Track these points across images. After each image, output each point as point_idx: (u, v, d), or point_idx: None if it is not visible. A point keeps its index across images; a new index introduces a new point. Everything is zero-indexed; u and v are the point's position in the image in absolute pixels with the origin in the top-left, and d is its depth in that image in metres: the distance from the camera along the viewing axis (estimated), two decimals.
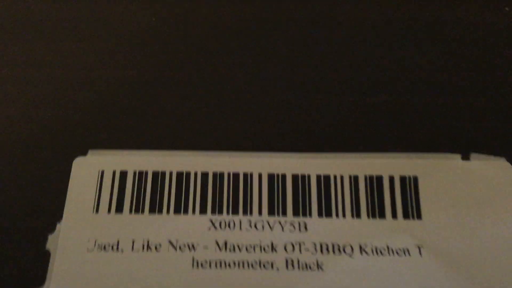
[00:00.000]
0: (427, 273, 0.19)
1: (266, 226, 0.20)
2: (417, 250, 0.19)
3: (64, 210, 0.20)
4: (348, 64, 0.24)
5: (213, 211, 0.20)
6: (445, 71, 0.23)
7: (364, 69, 0.23)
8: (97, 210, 0.20)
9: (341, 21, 0.25)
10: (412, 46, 0.24)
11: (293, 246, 0.19)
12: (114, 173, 0.20)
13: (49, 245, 0.19)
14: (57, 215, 0.20)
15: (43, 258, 0.19)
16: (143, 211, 0.20)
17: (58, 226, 0.19)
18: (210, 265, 0.19)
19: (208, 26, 0.25)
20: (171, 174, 0.20)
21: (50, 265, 0.19)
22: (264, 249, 0.19)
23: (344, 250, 0.19)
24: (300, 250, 0.19)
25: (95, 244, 0.19)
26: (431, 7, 0.25)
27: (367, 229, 0.20)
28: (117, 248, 0.19)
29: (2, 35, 0.24)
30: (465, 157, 0.21)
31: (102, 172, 0.20)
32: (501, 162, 0.21)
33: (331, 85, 0.23)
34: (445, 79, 0.23)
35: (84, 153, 0.21)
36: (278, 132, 0.22)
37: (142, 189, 0.20)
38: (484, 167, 0.21)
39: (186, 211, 0.20)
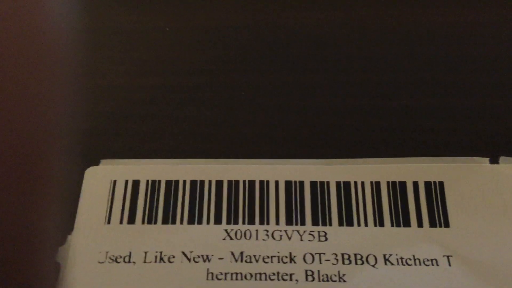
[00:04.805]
0: (458, 284, 0.18)
1: (284, 236, 0.19)
2: (446, 259, 0.18)
3: (75, 221, 0.19)
4: (368, 67, 0.23)
5: (228, 221, 0.19)
6: (470, 72, 0.23)
7: (385, 72, 0.23)
8: (108, 221, 0.19)
9: (361, 25, 0.24)
10: (436, 48, 0.23)
11: (312, 256, 0.18)
12: (126, 182, 0.20)
13: (60, 257, 0.19)
14: (68, 226, 0.19)
15: (53, 271, 0.18)
16: (156, 222, 0.19)
17: (68, 237, 0.19)
18: (225, 277, 0.18)
19: (221, 33, 0.24)
20: (184, 183, 0.20)
21: (60, 278, 0.18)
22: (282, 260, 0.18)
23: (367, 261, 0.18)
24: (320, 261, 0.18)
25: (106, 256, 0.19)
26: (451, 10, 0.24)
27: (391, 238, 0.19)
28: (129, 260, 0.18)
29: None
30: (494, 160, 0.20)
31: (114, 182, 0.20)
32: None
33: (350, 89, 0.22)
34: (471, 81, 0.22)
35: (96, 163, 0.20)
36: (295, 138, 0.21)
37: (155, 199, 0.20)
38: None
39: (200, 221, 0.19)
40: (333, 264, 0.18)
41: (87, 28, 0.24)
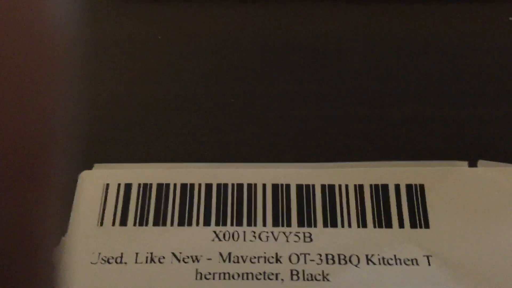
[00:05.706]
0: (436, 283, 0.18)
1: (271, 237, 0.19)
2: (426, 260, 0.19)
3: (70, 223, 0.20)
4: (353, 76, 0.24)
5: (217, 223, 0.20)
6: (450, 80, 0.23)
7: (369, 81, 0.23)
8: (101, 223, 0.20)
9: (348, 35, 0.25)
10: (417, 58, 0.24)
11: (298, 257, 0.19)
12: (118, 186, 0.21)
13: (53, 258, 0.19)
14: (63, 228, 0.20)
15: (48, 272, 0.19)
16: (147, 224, 0.20)
17: (62, 239, 0.20)
18: (213, 277, 0.19)
19: (213, 41, 0.25)
20: (175, 186, 0.20)
21: (54, 278, 0.19)
22: (268, 260, 0.19)
23: (350, 261, 0.19)
24: (305, 261, 0.19)
25: (99, 257, 0.19)
26: (437, 19, 0.25)
27: (373, 239, 0.19)
28: (121, 260, 0.19)
29: None
30: (472, 164, 0.21)
31: (107, 185, 0.21)
32: (509, 169, 0.20)
33: (334, 96, 0.23)
34: (450, 88, 0.23)
35: (90, 167, 0.21)
36: (281, 143, 0.22)
37: (146, 202, 0.20)
38: (492, 174, 0.20)
39: (190, 223, 0.20)
40: (317, 264, 0.19)
41: (84, 37, 0.25)
